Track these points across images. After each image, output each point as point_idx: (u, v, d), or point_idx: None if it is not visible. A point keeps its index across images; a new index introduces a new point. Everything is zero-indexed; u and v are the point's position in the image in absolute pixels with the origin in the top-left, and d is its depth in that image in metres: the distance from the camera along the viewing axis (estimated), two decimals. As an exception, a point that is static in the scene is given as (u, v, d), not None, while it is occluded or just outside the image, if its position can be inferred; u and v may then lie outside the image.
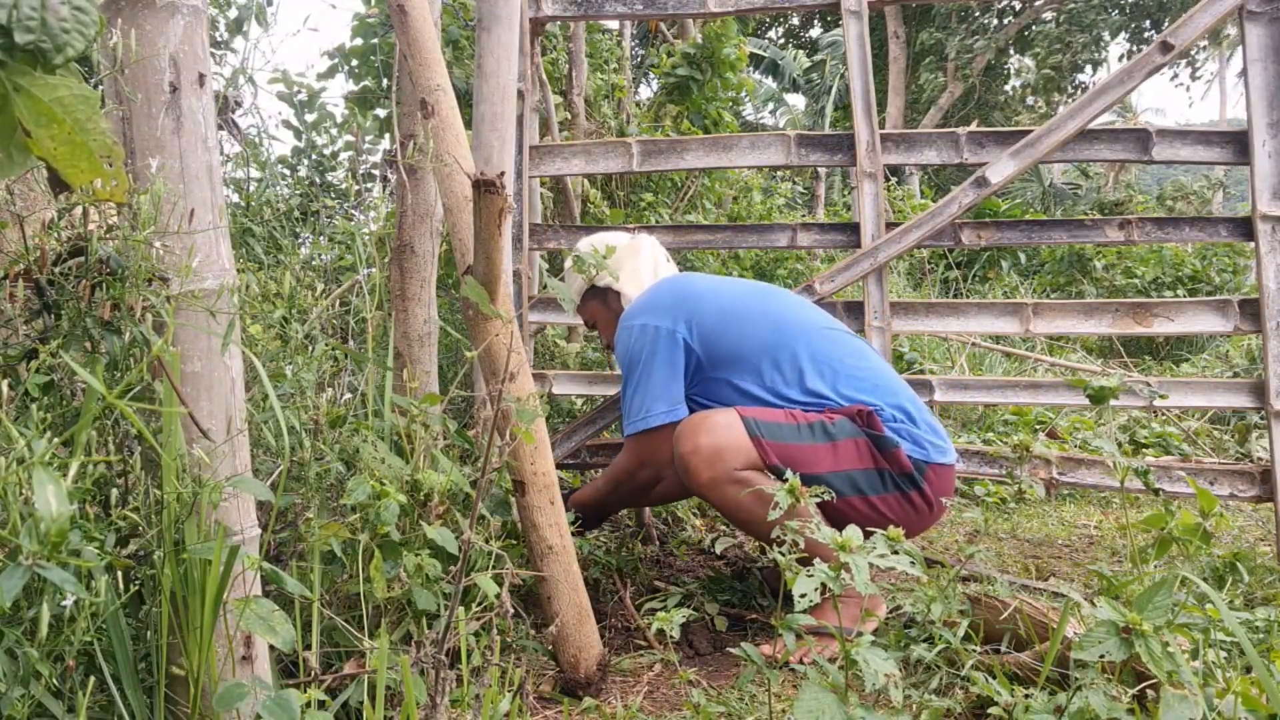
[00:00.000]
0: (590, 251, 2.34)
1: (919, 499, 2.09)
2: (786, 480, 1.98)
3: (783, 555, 1.38)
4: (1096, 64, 16.69)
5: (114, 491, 1.27)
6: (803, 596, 1.25)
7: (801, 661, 1.92)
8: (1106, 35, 16.20)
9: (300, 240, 3.56)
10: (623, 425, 2.31)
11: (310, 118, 3.76)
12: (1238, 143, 2.57)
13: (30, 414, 1.15)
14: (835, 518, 2.06)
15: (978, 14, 16.30)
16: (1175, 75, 17.82)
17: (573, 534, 2.08)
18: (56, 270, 1.27)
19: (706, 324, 2.25)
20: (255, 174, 3.46)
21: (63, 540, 0.81)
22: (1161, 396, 2.57)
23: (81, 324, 1.23)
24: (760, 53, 19.74)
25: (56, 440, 0.96)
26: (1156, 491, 2.41)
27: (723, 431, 2.05)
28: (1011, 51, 17.69)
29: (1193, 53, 16.81)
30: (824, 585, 1.26)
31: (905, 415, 2.16)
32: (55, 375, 1.25)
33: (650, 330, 2.24)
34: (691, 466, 2.06)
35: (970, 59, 16.01)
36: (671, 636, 1.51)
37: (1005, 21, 16.59)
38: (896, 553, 1.31)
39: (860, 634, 1.30)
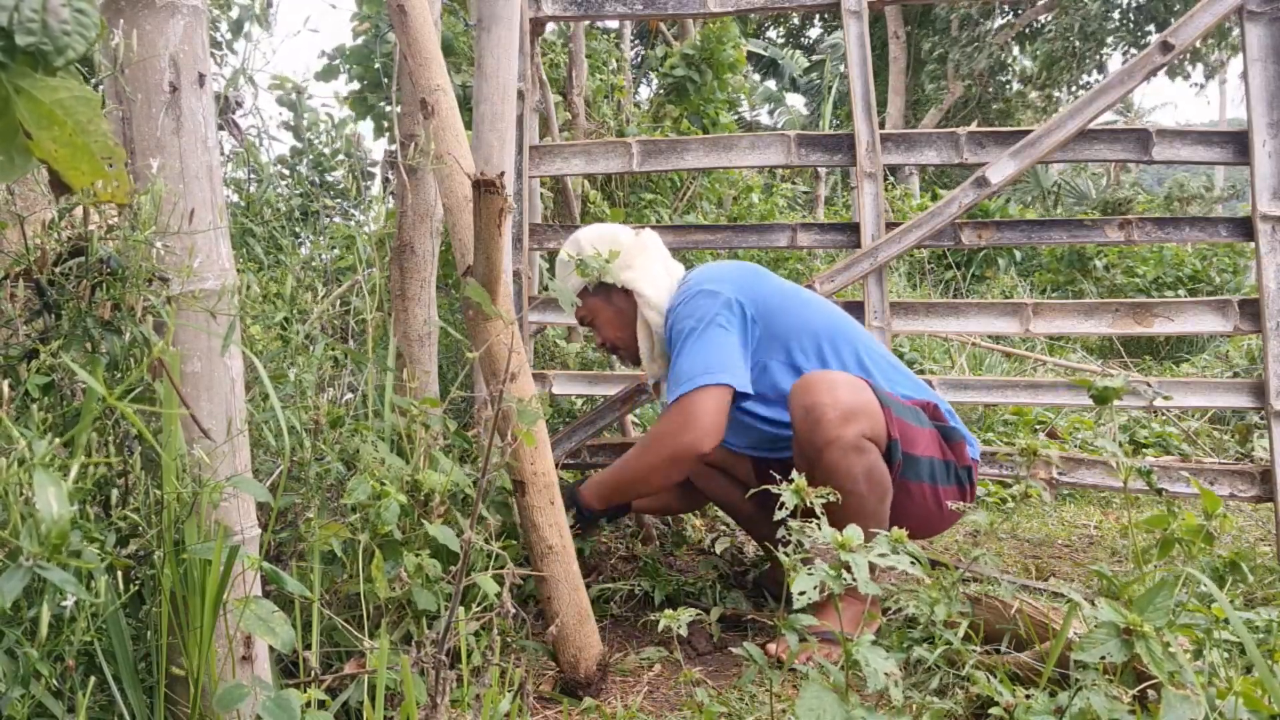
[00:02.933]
0: (591, 249, 2.29)
1: (969, 492, 2.14)
2: (894, 455, 2.02)
3: (785, 555, 1.38)
4: (1101, 67, 16.69)
5: (114, 492, 1.27)
6: (802, 594, 1.24)
7: (804, 662, 1.92)
8: (1109, 41, 16.20)
9: (300, 240, 3.56)
10: (668, 392, 2.12)
11: (307, 117, 3.76)
12: (1238, 143, 2.57)
13: (30, 414, 1.15)
14: (905, 501, 2.08)
15: (978, 20, 16.29)
16: (1189, 77, 17.68)
17: (573, 531, 2.05)
18: (57, 270, 1.27)
19: (768, 299, 2.19)
20: (255, 174, 3.46)
21: (63, 542, 0.82)
22: (1166, 398, 2.57)
23: (82, 324, 1.23)
24: (760, 52, 19.74)
25: (57, 441, 0.96)
26: (1159, 492, 2.41)
27: (857, 393, 1.99)
28: (1013, 51, 17.68)
29: (1207, 55, 16.72)
30: (824, 585, 1.26)
31: (949, 414, 2.22)
32: (55, 375, 1.25)
33: (716, 296, 2.13)
34: (825, 419, 1.95)
35: (971, 65, 16.02)
36: (679, 634, 1.50)
37: (1004, 23, 16.59)
38: (898, 553, 1.31)
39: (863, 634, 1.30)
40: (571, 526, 2.17)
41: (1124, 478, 1.89)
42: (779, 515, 1.45)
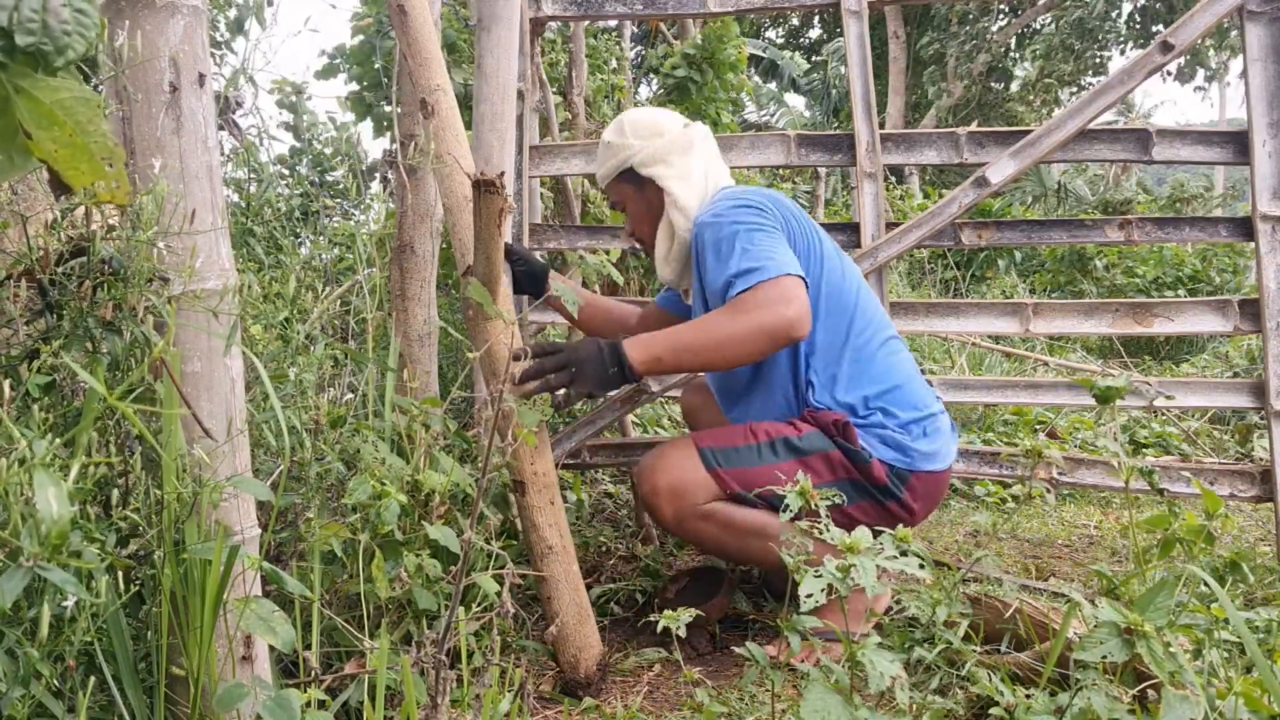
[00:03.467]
0: (632, 135, 2.17)
1: (896, 507, 2.03)
2: (746, 500, 1.96)
3: (790, 557, 1.38)
4: (1099, 70, 16.71)
5: (114, 492, 1.27)
6: (809, 597, 1.24)
7: (803, 660, 1.92)
8: (1110, 42, 16.21)
9: (300, 240, 3.56)
10: (729, 291, 1.90)
11: (306, 117, 3.77)
12: (1238, 143, 2.57)
13: (31, 414, 1.15)
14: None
15: (976, 18, 16.29)
16: (1193, 77, 17.70)
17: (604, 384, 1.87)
18: (59, 270, 1.27)
19: (792, 229, 2.05)
20: (255, 174, 3.46)
21: (63, 542, 0.81)
22: (1168, 397, 2.57)
23: (83, 324, 1.23)
24: (759, 54, 19.74)
25: (58, 441, 0.96)
26: (1161, 492, 2.41)
27: (680, 469, 1.99)
28: (1013, 51, 17.70)
29: (1205, 55, 16.75)
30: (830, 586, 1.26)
31: (908, 421, 2.06)
32: (57, 375, 1.25)
33: (752, 208, 2.01)
34: (656, 508, 2.02)
35: (970, 65, 16.02)
36: (679, 635, 1.50)
37: (1003, 24, 16.60)
38: (905, 554, 1.31)
39: (866, 635, 1.30)
40: (595, 380, 1.88)
41: (1125, 478, 1.89)
42: (782, 518, 1.45)
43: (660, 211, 2.19)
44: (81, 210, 1.31)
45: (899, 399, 2.09)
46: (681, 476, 1.98)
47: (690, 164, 2.16)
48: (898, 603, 2.19)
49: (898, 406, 2.08)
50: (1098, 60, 16.49)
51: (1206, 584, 1.37)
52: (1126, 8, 16.17)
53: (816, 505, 1.44)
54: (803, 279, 1.92)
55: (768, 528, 1.97)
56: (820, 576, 1.24)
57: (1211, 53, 16.21)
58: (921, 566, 1.32)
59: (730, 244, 1.95)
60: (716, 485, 1.98)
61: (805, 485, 1.45)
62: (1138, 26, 15.99)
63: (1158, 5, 15.52)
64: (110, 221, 1.31)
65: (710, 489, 1.98)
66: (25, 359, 1.22)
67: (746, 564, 2.10)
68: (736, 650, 1.60)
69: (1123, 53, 16.44)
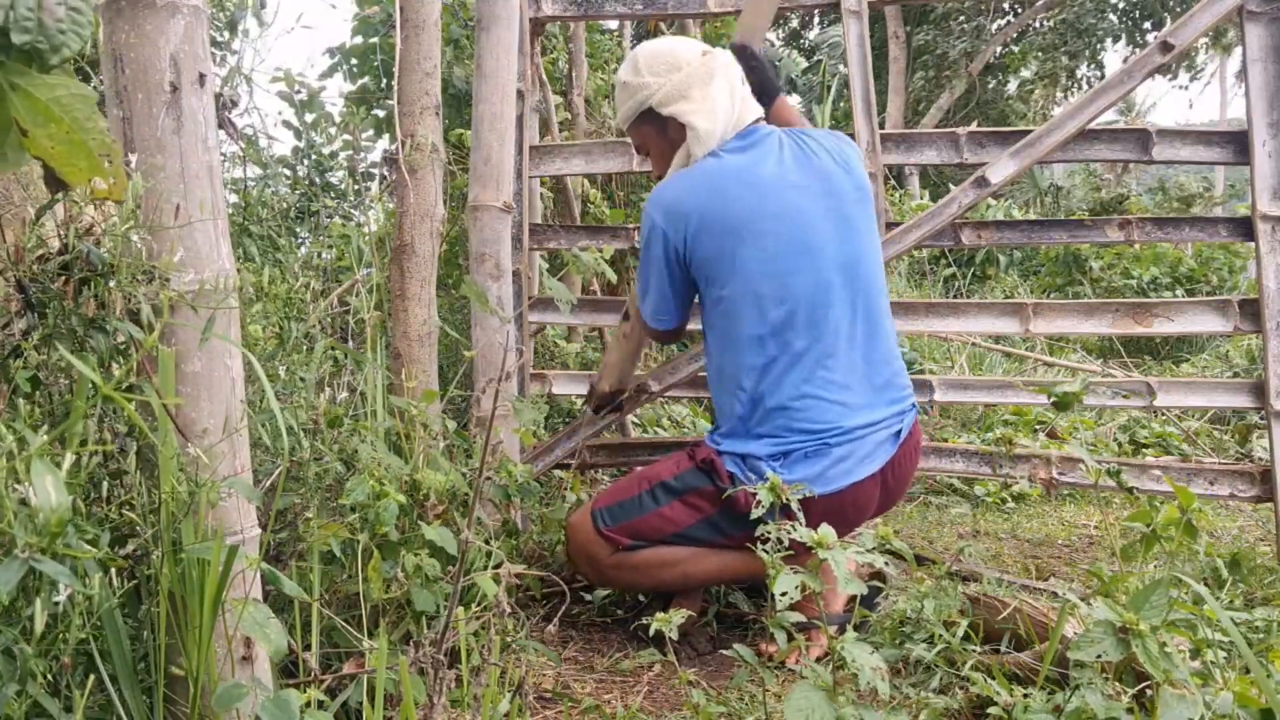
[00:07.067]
0: (647, 72, 2.09)
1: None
2: (638, 549, 2.06)
3: (767, 554, 1.39)
4: (1096, 63, 16.74)
5: (106, 486, 1.26)
6: (784, 595, 1.25)
7: (795, 662, 1.92)
8: (1105, 39, 16.24)
9: (299, 240, 3.56)
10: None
11: (310, 117, 3.76)
12: (1238, 143, 2.56)
13: (19, 411, 1.14)
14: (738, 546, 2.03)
15: (968, 17, 16.31)
16: (1174, 76, 17.86)
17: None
18: (37, 269, 1.25)
19: (710, 245, 2.04)
20: (253, 173, 3.46)
21: (61, 531, 0.81)
22: (1125, 396, 2.58)
23: (66, 323, 1.22)
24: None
25: (49, 436, 0.96)
26: (1130, 490, 2.41)
27: (580, 535, 2.13)
28: (1013, 51, 17.72)
29: (1192, 54, 16.87)
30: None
31: (772, 452, 1.99)
32: (42, 373, 1.24)
33: (645, 243, 2.12)
34: (578, 569, 2.20)
35: (969, 61, 16.04)
36: (680, 635, 1.51)
37: (1004, 23, 16.62)
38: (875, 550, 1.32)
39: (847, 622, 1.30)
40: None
41: (1094, 479, 1.91)
42: (754, 514, 1.46)
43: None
44: (61, 208, 1.30)
45: (772, 427, 2.02)
46: (585, 540, 2.12)
47: (713, 94, 2.05)
48: (888, 599, 2.19)
49: (765, 435, 2.02)
50: (1095, 54, 16.54)
51: (1195, 587, 1.37)
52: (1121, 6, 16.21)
53: (788, 498, 1.46)
54: (662, 331, 2.24)
55: (664, 558, 2.09)
56: (795, 574, 1.26)
57: (1202, 49, 16.31)
58: (899, 559, 1.32)
59: (640, 255, 2.18)
60: (610, 541, 2.09)
61: (775, 481, 1.47)
62: (1129, 23, 16.01)
63: (1156, 2, 15.54)
64: (112, 219, 1.30)
65: (607, 546, 2.10)
66: (11, 356, 1.21)
67: (668, 592, 2.21)
68: (725, 652, 1.61)
69: (1100, 59, 16.54)
